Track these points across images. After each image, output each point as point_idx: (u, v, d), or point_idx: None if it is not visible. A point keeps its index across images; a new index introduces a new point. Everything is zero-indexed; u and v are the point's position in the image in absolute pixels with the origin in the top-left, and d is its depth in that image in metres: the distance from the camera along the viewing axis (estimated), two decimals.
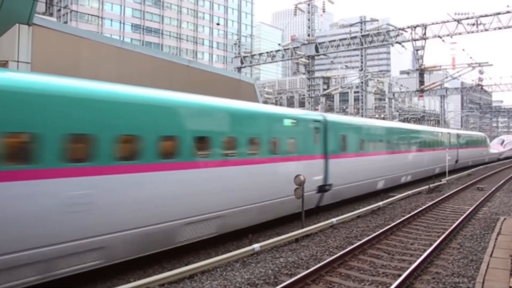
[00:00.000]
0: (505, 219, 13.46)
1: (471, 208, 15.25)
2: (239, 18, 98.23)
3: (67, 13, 73.58)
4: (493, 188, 21.52)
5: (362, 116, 41.38)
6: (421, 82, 31.32)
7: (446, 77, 44.78)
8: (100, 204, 7.24)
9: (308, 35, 36.18)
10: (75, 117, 7.04)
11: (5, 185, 6.06)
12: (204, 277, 8.01)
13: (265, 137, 11.78)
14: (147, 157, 8.07)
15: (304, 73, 38.42)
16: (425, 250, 9.73)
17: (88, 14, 72.58)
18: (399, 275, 7.89)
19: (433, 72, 42.04)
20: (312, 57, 35.27)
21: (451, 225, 12.39)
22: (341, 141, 16.01)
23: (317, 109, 38.18)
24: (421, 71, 30.78)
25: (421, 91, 32.01)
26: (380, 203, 16.42)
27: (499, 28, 27.42)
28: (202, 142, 9.61)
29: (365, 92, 45.29)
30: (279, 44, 41.13)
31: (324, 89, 39.31)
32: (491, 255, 8.99)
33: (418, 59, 30.03)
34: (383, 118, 57.90)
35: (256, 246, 9.71)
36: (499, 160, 51.98)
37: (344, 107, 72.44)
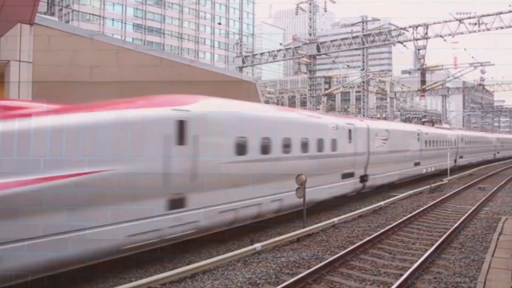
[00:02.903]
0: (506, 219, 13.42)
1: (473, 208, 15.23)
2: (240, 17, 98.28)
3: (68, 13, 73.67)
4: (495, 188, 21.47)
5: (363, 116, 41.29)
6: (423, 82, 31.34)
7: (448, 77, 44.74)
8: None
9: (310, 35, 36.18)
10: None
11: None
12: (205, 277, 8.02)
13: None
14: None
15: (305, 73, 38.44)
16: (426, 250, 9.71)
17: (90, 14, 72.71)
18: (401, 275, 7.89)
19: (435, 71, 42.02)
20: (313, 57, 35.27)
21: (453, 225, 12.37)
22: None
23: (318, 109, 38.15)
24: (423, 71, 30.80)
25: (422, 91, 32.01)
26: (382, 203, 16.41)
27: (501, 28, 27.37)
28: None
29: (366, 92, 45.25)
30: (281, 44, 41.19)
31: (326, 89, 39.36)
32: (492, 255, 8.98)
33: (419, 59, 30.02)
34: (385, 118, 57.78)
35: (258, 245, 9.71)
36: None
37: (346, 107, 72.39)
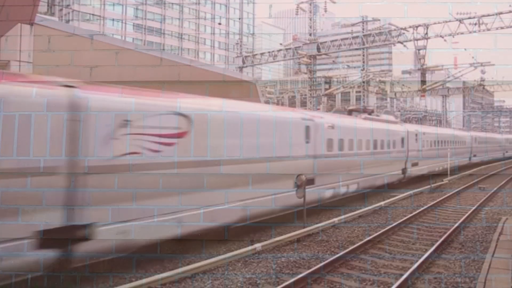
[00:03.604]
0: (507, 219, 13.41)
1: (473, 208, 15.23)
2: (240, 17, 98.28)
3: (68, 13, 73.67)
4: (495, 188, 21.45)
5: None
6: (423, 82, 31.34)
7: (448, 77, 44.75)
8: None
9: (310, 35, 36.19)
10: None
11: None
12: (205, 277, 8.02)
13: None
14: None
15: (305, 73, 38.45)
16: (426, 250, 9.71)
17: (90, 14, 72.72)
18: (401, 275, 7.89)
19: (435, 71, 42.01)
20: (313, 57, 35.27)
21: (453, 225, 12.37)
22: None
23: (318, 109, 38.14)
24: (423, 71, 30.80)
25: (423, 91, 32.02)
26: (382, 203, 16.43)
27: (501, 28, 27.34)
28: None
29: (366, 92, 45.22)
30: (281, 44, 41.21)
31: (326, 89, 39.38)
32: (493, 255, 8.97)
33: (420, 59, 30.02)
34: None
35: (258, 245, 9.71)
36: None
37: (346, 107, 72.31)
